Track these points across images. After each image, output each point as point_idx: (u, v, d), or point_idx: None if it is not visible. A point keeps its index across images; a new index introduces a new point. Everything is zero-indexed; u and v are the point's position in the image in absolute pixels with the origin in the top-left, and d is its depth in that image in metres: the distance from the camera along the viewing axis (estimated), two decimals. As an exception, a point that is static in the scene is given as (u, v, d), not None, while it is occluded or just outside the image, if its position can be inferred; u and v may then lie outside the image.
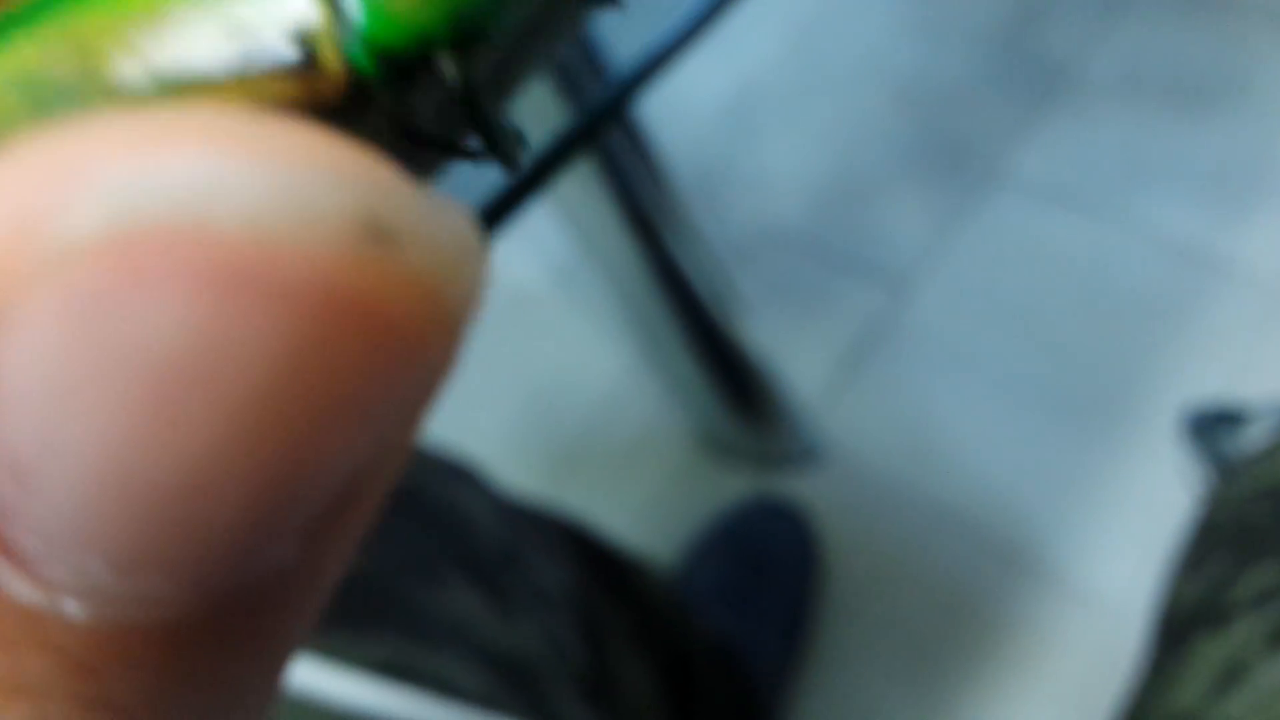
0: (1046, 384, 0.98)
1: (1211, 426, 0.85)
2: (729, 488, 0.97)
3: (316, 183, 0.07)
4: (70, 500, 0.07)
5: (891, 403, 0.99)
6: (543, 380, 1.05)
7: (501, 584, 0.47)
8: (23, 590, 0.08)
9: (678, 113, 1.13)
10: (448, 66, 0.14)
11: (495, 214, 0.43)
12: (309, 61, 0.14)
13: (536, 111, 0.48)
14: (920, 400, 0.99)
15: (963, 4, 1.19)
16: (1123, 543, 0.91)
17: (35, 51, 0.13)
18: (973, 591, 0.91)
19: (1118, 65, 1.13)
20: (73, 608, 0.08)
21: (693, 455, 1.00)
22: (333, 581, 0.09)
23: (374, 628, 0.41)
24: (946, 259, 1.05)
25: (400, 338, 0.08)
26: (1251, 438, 0.82)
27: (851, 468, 0.97)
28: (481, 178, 0.43)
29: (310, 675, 0.35)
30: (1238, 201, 1.04)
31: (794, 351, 1.01)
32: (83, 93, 0.12)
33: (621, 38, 0.49)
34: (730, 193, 1.12)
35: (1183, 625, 0.45)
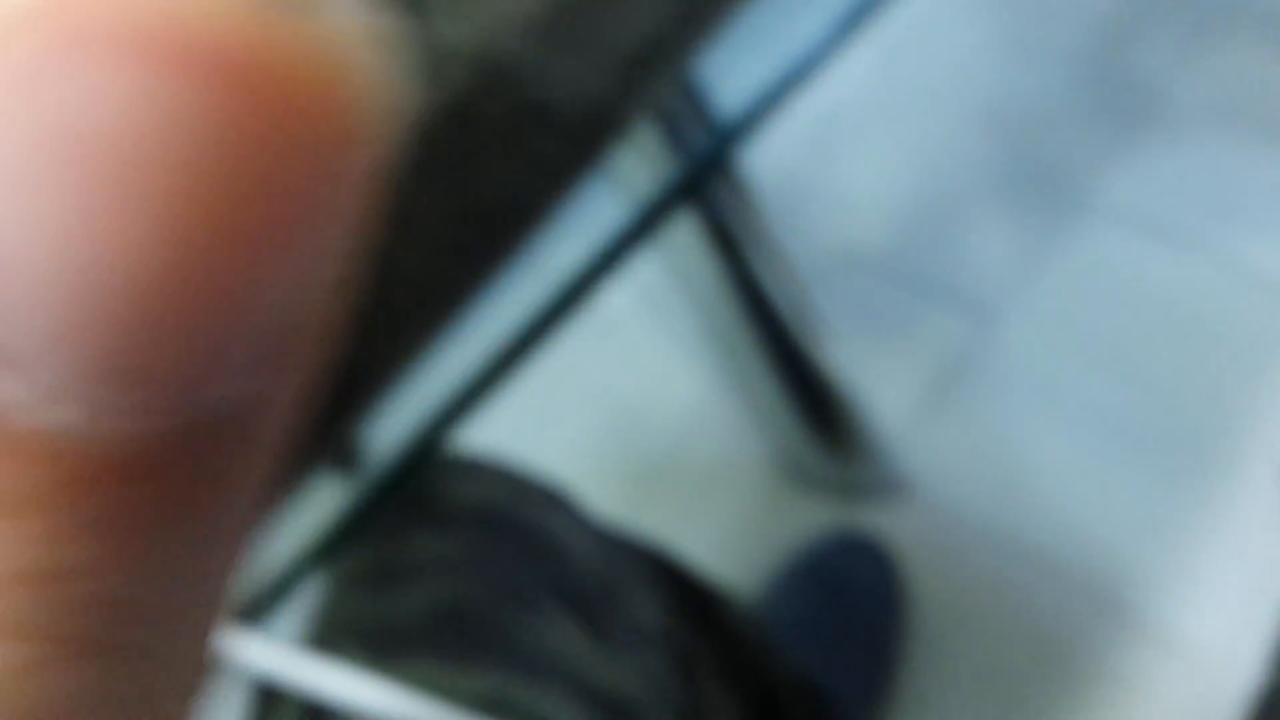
0: (1136, 420, 0.95)
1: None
2: (808, 518, 0.95)
3: None
4: (40, 293, 0.07)
5: (977, 435, 0.97)
6: (622, 403, 1.04)
7: (601, 617, 0.45)
8: (11, 393, 0.08)
9: (763, 132, 1.11)
10: None
11: (604, 262, 0.42)
12: None
13: (643, 160, 0.48)
14: (1007, 433, 0.96)
15: (1054, 27, 1.17)
16: (1217, 591, 0.87)
17: None
18: (1060, 634, 0.88)
19: (1211, 93, 1.10)
20: (60, 417, 0.08)
21: (772, 484, 0.98)
22: (286, 423, 0.09)
23: (475, 660, 0.39)
24: (1034, 288, 1.03)
25: (319, 112, 0.08)
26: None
27: (936, 501, 0.94)
28: (591, 228, 0.43)
29: (408, 709, 0.33)
30: (1336, 235, 1.01)
31: (878, 379, 0.99)
32: None
33: (727, 87, 0.48)
34: (815, 215, 1.10)
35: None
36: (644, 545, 0.59)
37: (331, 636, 0.40)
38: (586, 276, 0.43)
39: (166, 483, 0.08)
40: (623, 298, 1.09)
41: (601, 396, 1.04)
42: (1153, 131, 1.09)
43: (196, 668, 0.10)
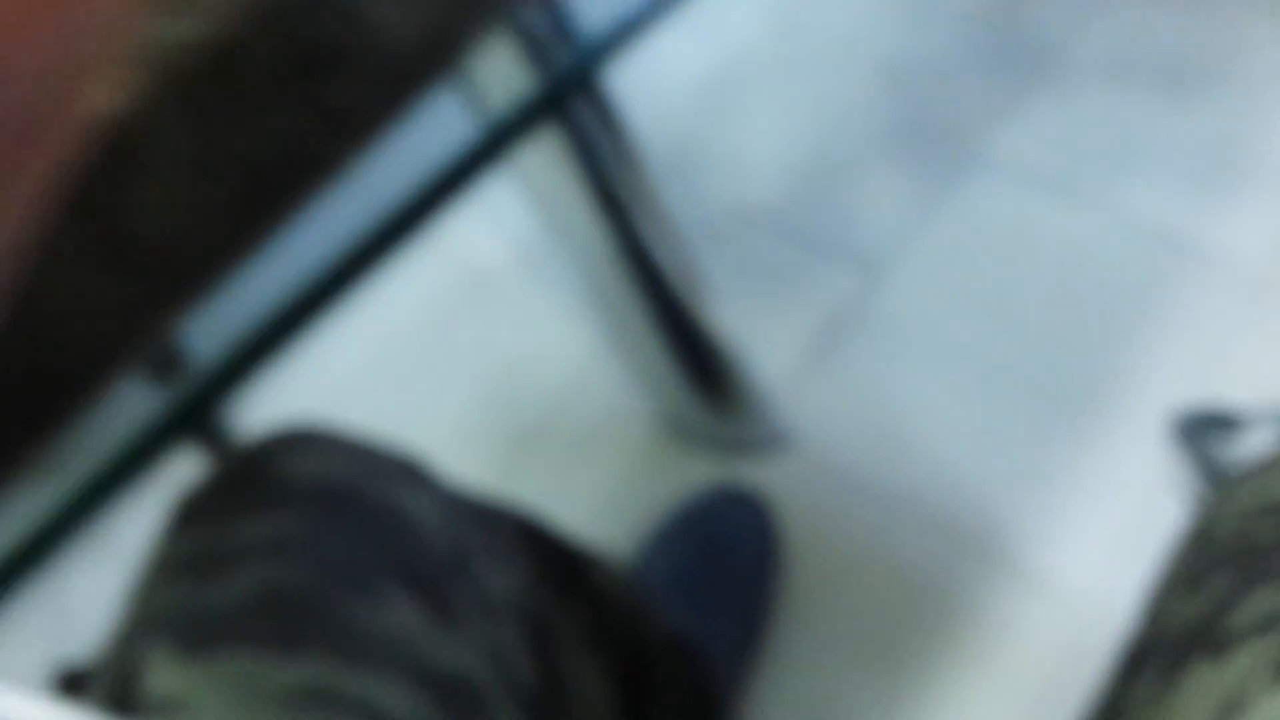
0: (1020, 372, 0.95)
1: (1201, 430, 0.83)
2: (692, 474, 0.94)
3: None
4: None
5: (861, 389, 0.96)
6: (501, 361, 1.02)
7: (445, 594, 0.43)
8: None
9: (652, 88, 1.09)
10: None
11: (454, 180, 0.39)
12: None
13: (501, 77, 0.46)
14: (891, 387, 0.96)
15: (947, -21, 1.16)
16: (1092, 537, 0.88)
17: None
18: (936, 583, 0.88)
19: (1105, 48, 1.10)
20: None
21: (655, 441, 0.97)
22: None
23: (297, 648, 0.37)
24: (923, 243, 1.02)
25: None
26: (1248, 445, 0.79)
27: (817, 455, 0.94)
28: (440, 142, 0.41)
29: None
30: (1222, 188, 1.02)
31: (762, 335, 0.98)
32: None
33: (592, 5, 0.46)
34: (704, 171, 1.08)
35: (1178, 647, 0.42)
36: (509, 513, 0.57)
37: (140, 630, 0.38)
38: (432, 195, 0.41)
39: None
40: (501, 254, 1.07)
41: (479, 354, 1.02)
42: (1046, 87, 1.09)
43: None
